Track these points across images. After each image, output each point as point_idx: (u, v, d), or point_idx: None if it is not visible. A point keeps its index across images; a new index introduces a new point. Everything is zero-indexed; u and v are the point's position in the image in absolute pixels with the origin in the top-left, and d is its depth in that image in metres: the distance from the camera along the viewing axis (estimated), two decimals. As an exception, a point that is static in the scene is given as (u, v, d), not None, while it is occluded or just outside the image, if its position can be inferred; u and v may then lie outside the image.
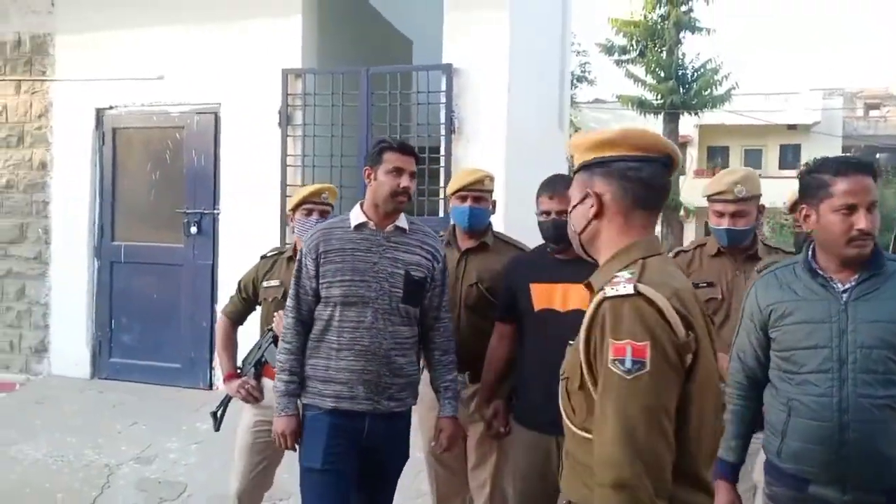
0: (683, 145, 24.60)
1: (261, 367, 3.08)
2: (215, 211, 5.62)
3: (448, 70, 5.09)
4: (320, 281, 2.57)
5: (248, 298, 3.23)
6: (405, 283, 2.59)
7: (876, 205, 1.97)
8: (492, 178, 3.12)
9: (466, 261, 3.09)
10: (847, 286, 2.01)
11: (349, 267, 2.55)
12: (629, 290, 1.35)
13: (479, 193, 3.05)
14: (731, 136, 26.89)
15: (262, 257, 3.28)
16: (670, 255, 2.93)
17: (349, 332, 2.53)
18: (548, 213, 2.70)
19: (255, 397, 3.06)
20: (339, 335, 2.54)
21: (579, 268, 2.52)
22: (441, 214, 5.16)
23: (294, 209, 3.16)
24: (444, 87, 5.11)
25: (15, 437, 4.82)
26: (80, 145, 5.89)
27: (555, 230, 2.66)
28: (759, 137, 27.06)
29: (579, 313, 2.45)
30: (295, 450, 2.63)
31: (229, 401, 3.27)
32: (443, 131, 5.12)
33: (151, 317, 5.76)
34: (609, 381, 1.33)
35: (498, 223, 3.57)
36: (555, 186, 2.71)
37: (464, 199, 3.07)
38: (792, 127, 26.25)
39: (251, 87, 5.47)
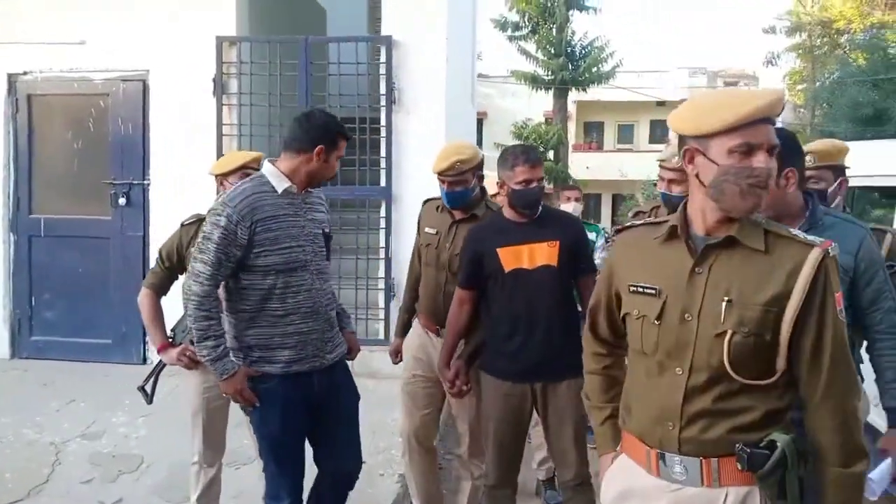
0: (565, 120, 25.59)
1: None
2: (145, 182, 5.47)
3: (388, 42, 5.19)
4: (256, 250, 2.51)
5: (171, 267, 3.18)
6: (325, 240, 2.74)
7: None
8: (464, 160, 3.14)
9: (456, 230, 3.24)
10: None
11: (286, 234, 2.57)
12: (835, 248, 1.57)
13: (452, 178, 3.15)
14: (606, 111, 28.21)
15: (183, 224, 3.22)
16: (630, 214, 3.24)
17: (292, 296, 2.58)
18: (528, 181, 2.84)
19: (196, 362, 3.05)
20: (282, 301, 2.57)
21: (535, 229, 2.87)
22: (382, 184, 5.30)
23: (227, 174, 3.14)
24: (384, 59, 5.22)
25: (-62, 420, 4.57)
26: (-11, 113, 5.54)
27: (536, 197, 2.87)
28: (631, 113, 28.55)
29: (546, 268, 2.83)
30: (255, 406, 2.61)
31: (160, 372, 3.28)
32: (382, 102, 5.24)
33: (77, 292, 5.55)
34: (838, 328, 1.56)
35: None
36: (532, 156, 2.91)
37: (443, 181, 3.20)
38: (661, 103, 27.86)
39: (182, 54, 5.34)
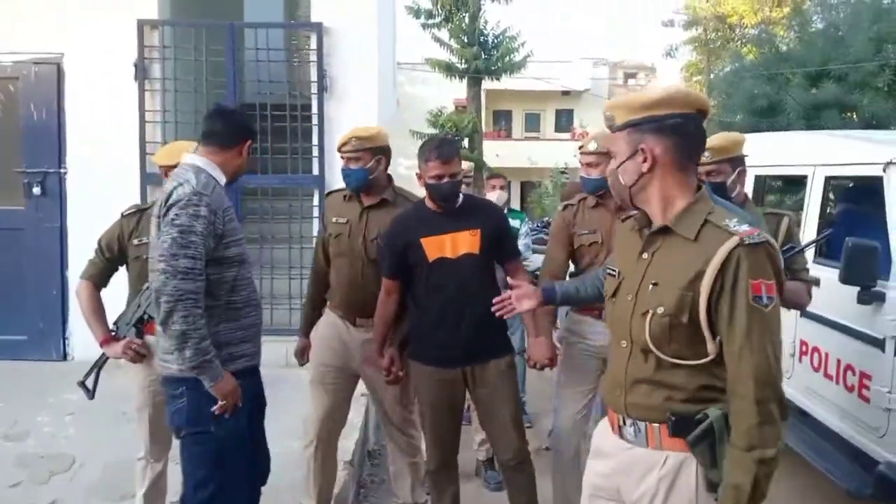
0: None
1: (143, 324, 3.05)
2: (61, 170, 5.22)
3: (319, 28, 5.15)
4: (225, 240, 2.47)
5: (112, 258, 3.13)
6: None
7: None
8: (363, 137, 3.15)
9: (368, 216, 3.23)
10: None
11: (237, 227, 2.57)
12: (761, 237, 1.63)
13: (349, 154, 3.15)
14: (514, 100, 28.71)
15: (123, 215, 3.17)
16: (560, 208, 3.38)
17: (244, 289, 2.58)
18: (440, 176, 2.88)
19: (142, 355, 3.04)
20: (239, 294, 2.56)
21: (457, 218, 2.98)
22: (315, 172, 5.27)
23: (170, 166, 3.01)
24: (314, 46, 5.18)
25: None
26: None
27: (450, 191, 2.92)
28: (538, 102, 29.19)
29: (469, 256, 2.93)
30: (238, 407, 2.52)
31: (102, 366, 3.21)
32: (314, 90, 5.20)
33: (-11, 287, 5.25)
34: (753, 315, 1.60)
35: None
36: (445, 151, 2.92)
37: (343, 158, 3.20)
38: (566, 93, 28.60)
39: (100, 37, 5.10)
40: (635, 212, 1.87)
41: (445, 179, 2.88)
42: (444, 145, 2.96)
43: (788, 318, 4.02)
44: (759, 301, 1.62)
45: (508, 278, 2.81)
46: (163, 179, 3.13)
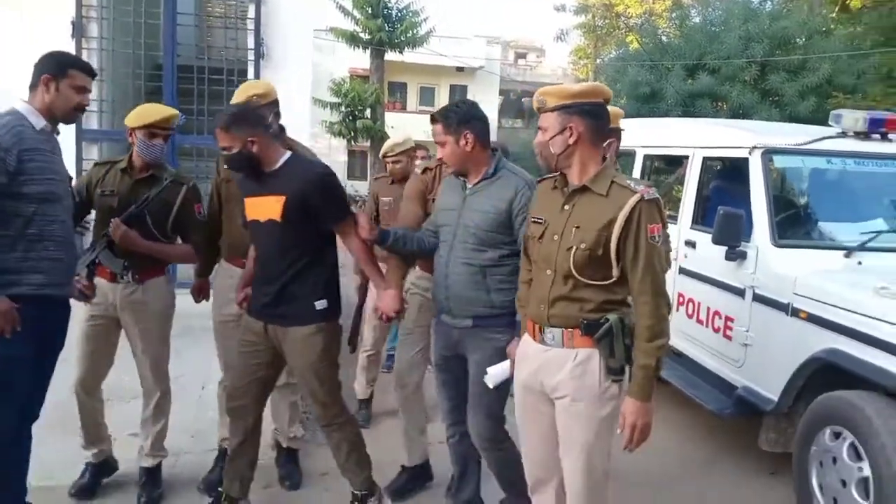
0: (368, 77, 26.02)
1: (94, 267, 3.29)
2: (-7, 123, 5.25)
3: (257, -1, 5.44)
4: (23, 178, 2.60)
5: (80, 202, 3.32)
6: (69, 179, 2.91)
7: (440, 143, 2.89)
8: (260, 94, 3.24)
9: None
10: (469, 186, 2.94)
11: (48, 167, 2.68)
12: (655, 195, 2.27)
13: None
14: (410, 73, 29.02)
15: (95, 164, 3.43)
16: (419, 171, 3.60)
17: (48, 225, 2.70)
18: (224, 148, 2.87)
19: (87, 295, 3.25)
20: (38, 229, 2.67)
21: (270, 181, 2.88)
22: (250, 135, 5.56)
23: (136, 129, 3.26)
24: (252, 14, 5.46)
25: None
26: None
27: (229, 161, 2.91)
28: (433, 77, 29.67)
29: (272, 222, 2.85)
30: (16, 330, 2.63)
31: None
32: (251, 56, 5.49)
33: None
34: (649, 249, 2.23)
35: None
36: (216, 124, 2.91)
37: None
38: (460, 69, 29.24)
39: (36, -8, 5.18)
40: (554, 174, 2.47)
41: (225, 150, 2.87)
42: (218, 117, 2.92)
43: (668, 276, 4.79)
44: (653, 239, 2.26)
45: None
46: (127, 137, 3.34)
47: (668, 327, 2.31)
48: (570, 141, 2.33)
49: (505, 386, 2.87)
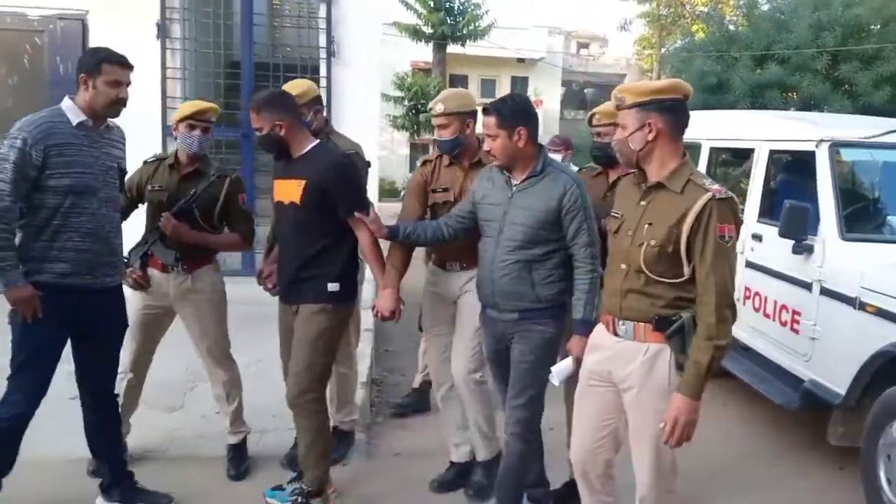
0: (430, 70, 26.21)
1: (147, 258, 3.48)
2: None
3: (329, -1, 5.65)
4: (48, 171, 2.75)
5: (131, 198, 3.54)
6: (119, 174, 3.04)
7: (490, 136, 2.86)
8: (296, 95, 3.32)
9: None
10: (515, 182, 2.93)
11: (79, 160, 2.81)
12: (727, 195, 2.29)
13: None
14: (471, 65, 29.03)
15: (145, 162, 3.56)
16: (419, 164, 3.60)
17: (76, 217, 2.83)
18: (255, 129, 3.06)
19: (141, 285, 3.45)
20: (65, 219, 2.81)
21: (296, 165, 3.02)
22: (321, 130, 5.79)
23: (179, 122, 3.42)
24: (323, 14, 5.67)
25: None
26: None
27: (259, 142, 3.11)
28: (494, 68, 29.64)
29: (293, 205, 2.99)
30: (38, 315, 2.78)
31: None
32: (322, 55, 5.70)
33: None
34: (718, 248, 2.25)
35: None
36: (254, 103, 3.05)
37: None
38: (521, 60, 29.15)
39: (124, -4, 5.50)
40: (634, 170, 2.53)
41: (257, 131, 3.05)
42: (253, 98, 3.11)
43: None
44: (722, 238, 2.27)
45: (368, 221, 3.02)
46: (172, 132, 3.56)
47: (728, 330, 2.31)
48: (650, 137, 2.37)
49: (546, 377, 2.89)
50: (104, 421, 3.16)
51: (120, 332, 3.17)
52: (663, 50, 21.60)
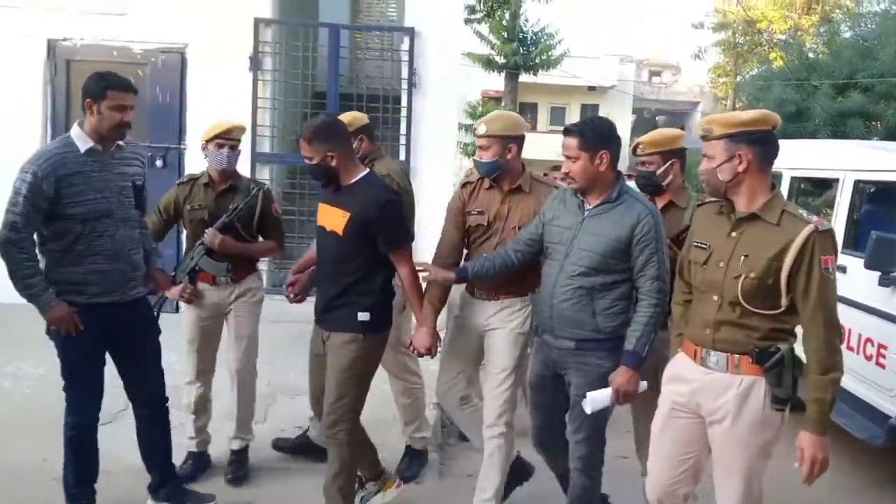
0: (500, 99, 26.44)
1: (195, 274, 3.63)
2: (181, 146, 5.97)
3: (411, 33, 5.87)
4: (63, 201, 2.87)
5: (167, 219, 3.66)
6: (134, 192, 3.09)
7: (570, 157, 2.80)
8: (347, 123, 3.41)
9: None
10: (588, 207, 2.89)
11: (90, 187, 2.91)
12: (828, 226, 2.30)
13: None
14: (541, 93, 29.15)
15: (179, 183, 3.69)
16: (460, 186, 3.46)
17: (97, 240, 2.94)
18: (306, 158, 3.07)
19: (195, 297, 3.62)
20: (87, 244, 2.93)
21: (344, 195, 3.04)
22: (402, 158, 5.99)
23: (208, 141, 3.55)
24: (406, 47, 5.89)
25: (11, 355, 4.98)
26: (28, 75, 5.87)
27: (310, 171, 3.13)
28: (564, 96, 29.70)
29: (334, 233, 3.00)
30: (79, 328, 2.94)
31: (162, 304, 3.72)
32: (404, 86, 5.92)
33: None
34: (822, 281, 2.25)
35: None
36: (305, 134, 3.05)
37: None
38: (592, 88, 29.12)
39: (220, 31, 5.83)
40: (718, 200, 2.51)
41: (306, 160, 3.07)
42: (303, 129, 3.10)
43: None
44: (826, 270, 2.26)
45: (419, 266, 3.07)
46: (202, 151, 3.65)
47: (842, 360, 2.31)
48: (740, 169, 2.36)
49: (606, 410, 2.84)
50: (157, 425, 3.32)
51: (154, 337, 3.28)
52: (739, 78, 21.27)
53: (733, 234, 2.43)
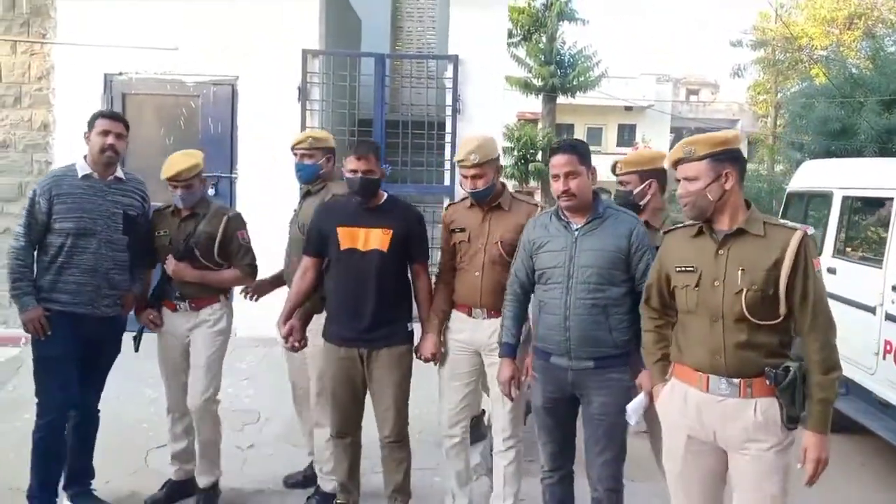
0: (536, 121, 26.51)
1: (159, 300, 3.70)
2: (232, 175, 6.13)
3: (455, 60, 5.96)
4: (54, 216, 3.32)
5: (149, 245, 3.72)
6: (123, 219, 3.48)
7: (572, 174, 2.84)
8: (315, 138, 3.69)
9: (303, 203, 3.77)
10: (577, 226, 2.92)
11: (79, 207, 3.36)
12: (811, 229, 2.40)
13: (303, 151, 3.70)
14: (577, 114, 29.18)
15: (155, 211, 3.76)
16: (445, 209, 3.65)
17: (78, 255, 3.37)
18: (355, 171, 3.19)
19: (155, 324, 3.68)
20: (69, 258, 3.35)
21: (376, 215, 3.23)
22: (446, 183, 6.06)
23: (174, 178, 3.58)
24: (450, 74, 5.98)
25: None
26: (86, 109, 6.06)
27: (362, 186, 3.21)
28: (601, 116, 29.68)
29: (378, 252, 3.19)
30: (47, 335, 3.32)
31: (142, 333, 3.77)
32: (448, 112, 6.00)
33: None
34: (817, 284, 2.33)
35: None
36: (361, 149, 3.24)
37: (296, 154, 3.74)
38: (629, 108, 29.04)
39: (269, 63, 6.00)
40: (691, 223, 2.52)
41: (359, 174, 3.17)
42: (362, 145, 3.32)
43: (873, 321, 4.63)
44: (818, 273, 2.36)
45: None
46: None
47: (839, 357, 2.37)
48: (727, 187, 2.41)
49: (624, 423, 2.85)
50: (76, 431, 3.56)
51: (110, 357, 3.63)
52: (779, 95, 21.01)
53: (720, 251, 2.44)
